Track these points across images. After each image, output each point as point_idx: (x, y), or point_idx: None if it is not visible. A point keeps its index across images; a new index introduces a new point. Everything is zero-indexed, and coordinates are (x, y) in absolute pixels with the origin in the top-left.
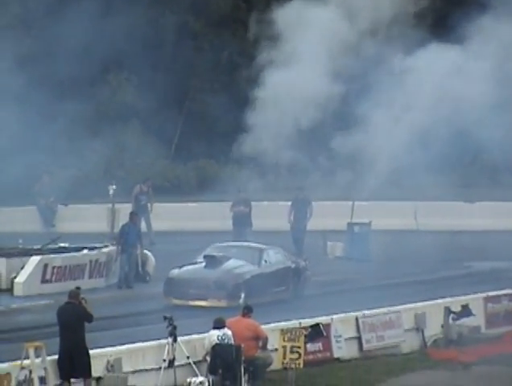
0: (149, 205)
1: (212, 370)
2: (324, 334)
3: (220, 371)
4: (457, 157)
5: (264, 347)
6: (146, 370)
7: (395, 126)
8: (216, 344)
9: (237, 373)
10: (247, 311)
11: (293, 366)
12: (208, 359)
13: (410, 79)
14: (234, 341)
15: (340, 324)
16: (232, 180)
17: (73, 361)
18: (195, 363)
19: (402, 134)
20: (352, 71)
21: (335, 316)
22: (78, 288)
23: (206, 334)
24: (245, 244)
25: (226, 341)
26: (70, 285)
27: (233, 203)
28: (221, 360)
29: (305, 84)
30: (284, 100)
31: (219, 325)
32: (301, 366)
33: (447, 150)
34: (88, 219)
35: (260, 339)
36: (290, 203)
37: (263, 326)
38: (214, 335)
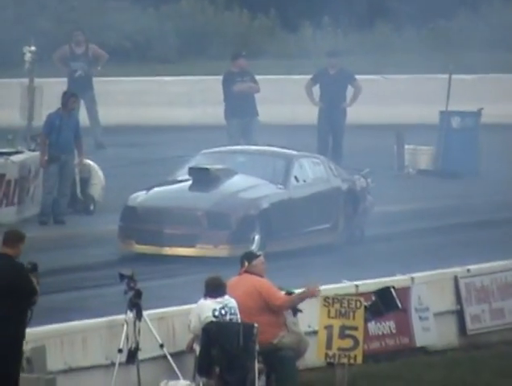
0: (91, 78)
1: (203, 368)
2: (400, 305)
3: (217, 369)
4: None
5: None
6: (89, 367)
7: None
8: (211, 323)
9: (247, 372)
10: (248, 259)
11: (345, 361)
12: (197, 348)
13: None
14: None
15: (428, 288)
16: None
17: None
18: (173, 355)
19: None
20: None
21: (417, 274)
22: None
23: (194, 306)
24: (261, 148)
25: (228, 317)
26: None
27: (228, 77)
28: (220, 351)
29: None
30: None
31: (215, 290)
32: (359, 361)
33: None
34: None
35: (273, 307)
36: (310, 77)
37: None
38: (208, 308)
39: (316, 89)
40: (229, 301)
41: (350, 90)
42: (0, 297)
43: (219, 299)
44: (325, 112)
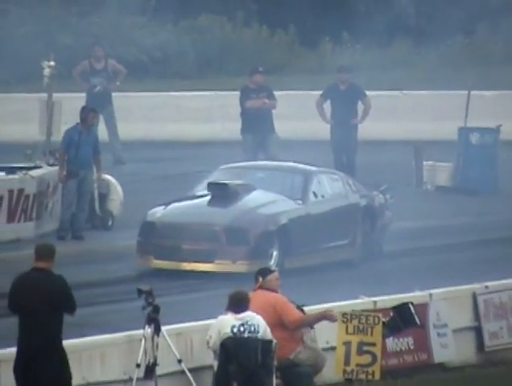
0: (110, 94)
1: (220, 384)
2: (418, 322)
3: (235, 385)
4: None
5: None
6: (107, 383)
7: None
8: (229, 338)
9: None
10: (262, 275)
11: (363, 377)
12: (215, 364)
13: None
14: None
15: (446, 305)
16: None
17: (38, 370)
18: (191, 370)
19: None
20: None
21: (435, 290)
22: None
23: (214, 321)
24: (280, 164)
25: (246, 334)
26: None
27: (244, 92)
28: (238, 367)
29: None
30: None
31: (237, 305)
32: (377, 377)
33: None
34: (6, 118)
35: (287, 324)
36: (320, 93)
37: (308, 309)
38: (227, 324)
39: (328, 106)
40: (251, 317)
41: (361, 106)
42: (46, 305)
43: (240, 315)
44: (336, 130)
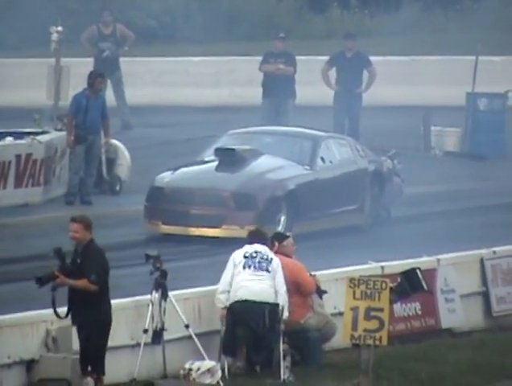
0: (118, 59)
1: (228, 347)
2: (425, 287)
3: (243, 349)
4: None
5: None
6: (114, 347)
7: None
8: (236, 303)
9: (272, 352)
10: (278, 240)
11: (370, 342)
12: (223, 329)
13: None
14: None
15: (454, 270)
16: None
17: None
18: (199, 335)
19: None
20: None
21: (443, 256)
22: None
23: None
24: (288, 129)
25: (258, 259)
26: None
27: (265, 57)
28: (245, 330)
29: None
30: None
31: (252, 237)
32: (384, 343)
33: None
34: (15, 83)
35: (304, 291)
36: (326, 60)
37: (317, 273)
38: (241, 251)
39: (333, 73)
40: (264, 249)
41: (366, 74)
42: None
43: (254, 245)
44: (341, 96)
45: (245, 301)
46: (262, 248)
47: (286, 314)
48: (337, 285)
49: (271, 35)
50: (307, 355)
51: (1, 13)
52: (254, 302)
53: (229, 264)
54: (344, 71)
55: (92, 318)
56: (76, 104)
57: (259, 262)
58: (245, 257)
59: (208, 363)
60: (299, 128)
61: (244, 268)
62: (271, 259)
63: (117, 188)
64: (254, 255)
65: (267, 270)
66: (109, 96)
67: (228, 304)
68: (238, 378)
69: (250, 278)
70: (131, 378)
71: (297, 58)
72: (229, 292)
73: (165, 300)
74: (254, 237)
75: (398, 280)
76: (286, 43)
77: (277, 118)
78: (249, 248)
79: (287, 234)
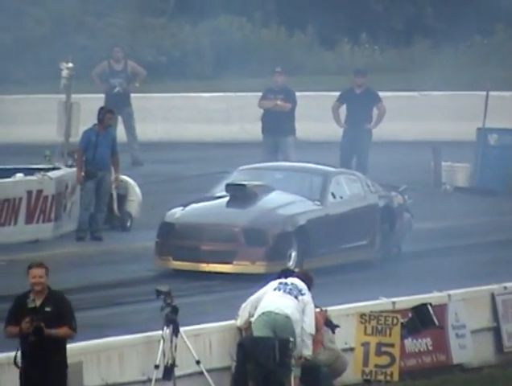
0: (129, 95)
1: (238, 383)
2: (436, 322)
3: (254, 385)
4: None
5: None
6: (126, 383)
7: None
8: (246, 338)
9: None
10: (285, 277)
11: (381, 378)
12: (233, 364)
13: None
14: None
15: (464, 305)
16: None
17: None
18: (210, 371)
19: None
20: None
21: (454, 291)
22: None
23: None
24: (298, 165)
25: (292, 290)
26: None
27: (264, 94)
28: (256, 366)
29: None
30: None
31: (285, 273)
32: (395, 378)
33: None
34: (24, 119)
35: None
36: (337, 97)
37: (328, 308)
38: (273, 284)
39: (343, 109)
40: (297, 282)
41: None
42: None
43: (287, 279)
44: (349, 132)
45: (256, 337)
46: (298, 282)
47: (308, 353)
48: (348, 321)
49: (265, 71)
50: None
51: (10, 48)
52: (264, 337)
53: (264, 288)
54: (354, 107)
55: (62, 363)
56: (86, 140)
57: (290, 289)
58: (279, 283)
59: None
60: (310, 163)
61: (274, 290)
62: (304, 293)
63: (128, 224)
64: (288, 283)
65: (296, 297)
66: (121, 131)
67: (245, 320)
68: None
69: (278, 294)
70: None
71: (307, 94)
72: (253, 309)
73: (176, 336)
74: (286, 273)
75: (409, 315)
76: (286, 77)
77: (276, 155)
78: (280, 280)
79: (295, 270)
